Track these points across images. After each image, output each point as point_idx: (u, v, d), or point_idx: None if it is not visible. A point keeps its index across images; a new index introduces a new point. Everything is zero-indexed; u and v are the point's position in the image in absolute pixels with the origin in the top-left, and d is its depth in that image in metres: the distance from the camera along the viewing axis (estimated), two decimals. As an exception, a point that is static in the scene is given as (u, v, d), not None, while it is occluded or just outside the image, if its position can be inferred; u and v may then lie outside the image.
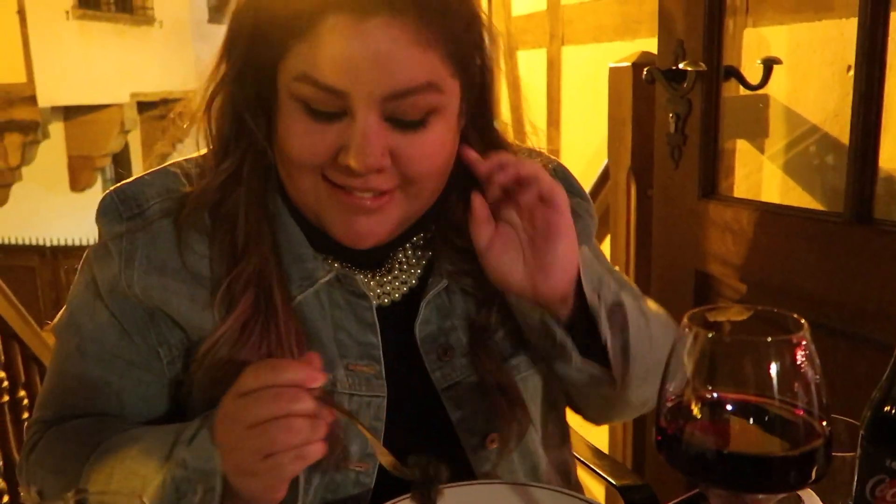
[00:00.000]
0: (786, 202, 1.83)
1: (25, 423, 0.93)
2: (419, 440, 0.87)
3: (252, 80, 0.79)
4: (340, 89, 0.72)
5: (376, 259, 0.88)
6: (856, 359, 1.31)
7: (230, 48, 0.80)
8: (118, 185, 0.87)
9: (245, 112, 0.80)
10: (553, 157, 1.03)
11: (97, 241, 0.86)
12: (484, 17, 0.82)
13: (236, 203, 0.82)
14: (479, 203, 0.79)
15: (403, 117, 0.75)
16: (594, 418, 1.02)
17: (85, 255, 0.88)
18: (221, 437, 0.71)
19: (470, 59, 0.80)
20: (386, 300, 0.88)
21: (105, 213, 0.85)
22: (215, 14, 13.07)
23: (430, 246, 0.90)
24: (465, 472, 0.88)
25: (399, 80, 0.73)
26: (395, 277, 0.89)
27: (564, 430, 1.01)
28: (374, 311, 0.86)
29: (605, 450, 2.32)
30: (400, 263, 0.89)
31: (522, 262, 0.80)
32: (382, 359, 0.86)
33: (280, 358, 0.73)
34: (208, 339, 0.80)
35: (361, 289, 0.85)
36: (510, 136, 0.95)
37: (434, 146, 0.78)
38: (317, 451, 0.70)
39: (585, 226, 0.97)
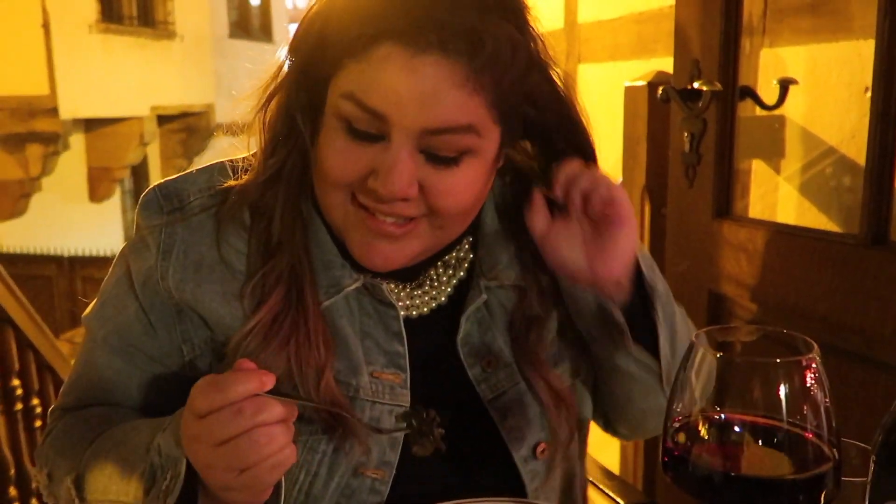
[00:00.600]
0: (802, 223, 1.82)
1: (49, 410, 0.97)
2: (434, 454, 0.88)
3: (307, 87, 0.81)
4: (381, 112, 0.74)
5: (407, 273, 0.89)
6: (872, 383, 1.29)
7: (295, 51, 0.82)
8: (162, 181, 0.89)
9: (297, 113, 0.82)
10: None
11: (135, 234, 0.89)
12: (550, 62, 0.83)
13: (274, 199, 0.83)
14: (538, 197, 0.82)
15: (437, 152, 0.77)
16: (626, 432, 1.04)
17: (121, 249, 0.91)
18: (193, 458, 0.72)
19: (516, 108, 0.80)
20: (414, 312, 0.90)
21: (147, 206, 0.87)
22: (236, 30, 13.24)
23: (461, 266, 0.91)
24: (508, 485, 0.89)
25: (440, 117, 0.74)
26: (426, 293, 0.90)
27: (584, 449, 1.03)
28: (402, 321, 0.87)
29: (616, 471, 2.30)
30: (431, 280, 0.90)
31: (582, 246, 0.81)
32: (409, 368, 0.86)
33: (219, 374, 0.72)
34: (239, 330, 0.82)
35: (388, 298, 0.86)
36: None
37: (463, 185, 0.79)
38: (291, 454, 0.71)
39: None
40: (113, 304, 0.89)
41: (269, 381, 0.70)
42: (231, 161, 0.89)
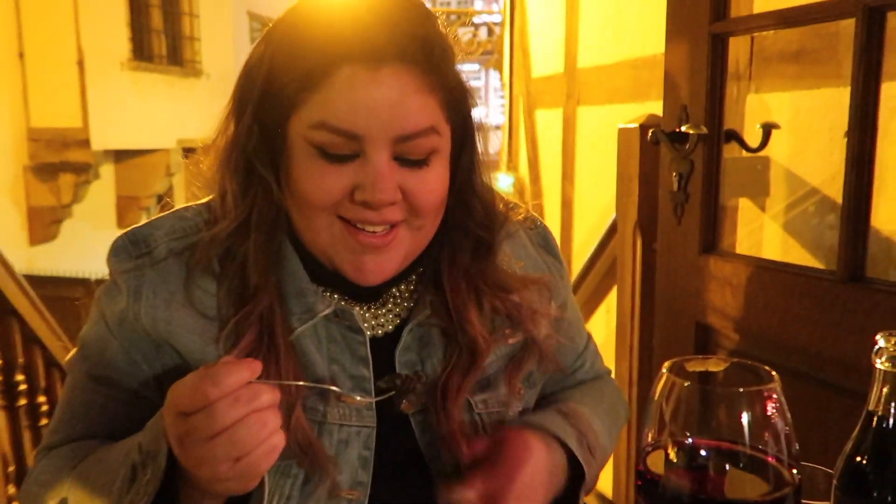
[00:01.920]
0: (787, 259, 1.83)
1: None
2: (408, 468, 0.88)
3: (261, 134, 0.82)
4: (355, 133, 0.76)
5: (373, 293, 0.90)
6: (849, 411, 1.28)
7: (240, 106, 0.83)
8: (130, 228, 0.89)
9: (255, 162, 0.83)
10: (536, 214, 1.06)
11: (108, 279, 0.88)
12: (462, 75, 0.86)
13: (246, 249, 0.83)
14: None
15: (409, 157, 0.79)
16: None
17: (95, 295, 0.89)
18: (185, 456, 0.68)
19: (459, 105, 0.84)
20: (379, 331, 0.90)
21: (116, 253, 0.87)
22: (259, 68, 13.37)
23: (420, 282, 0.92)
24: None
25: (409, 123, 0.77)
26: (389, 310, 0.91)
27: None
28: (368, 346, 0.87)
29: (609, 495, 2.28)
30: (394, 298, 0.92)
31: None
32: (373, 391, 0.87)
33: (203, 371, 0.69)
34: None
35: (357, 324, 0.87)
36: (526, 189, 1.00)
37: (435, 182, 0.82)
38: (282, 439, 0.69)
39: (557, 287, 1.00)
40: (93, 345, 0.88)
41: (258, 368, 0.69)
42: (196, 205, 0.90)
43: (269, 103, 0.80)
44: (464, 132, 0.86)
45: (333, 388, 0.82)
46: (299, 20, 0.80)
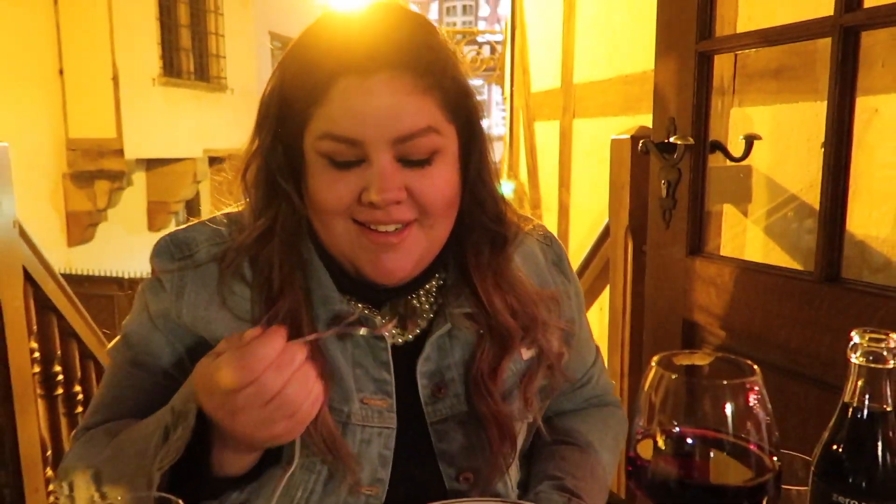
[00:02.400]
0: (767, 260, 1.82)
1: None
2: (424, 468, 0.87)
3: (282, 149, 0.82)
4: (356, 139, 0.76)
5: (394, 304, 0.89)
6: (826, 403, 1.28)
7: (261, 126, 0.83)
8: (173, 230, 0.89)
9: (277, 176, 0.83)
10: (547, 227, 1.04)
11: (151, 275, 0.88)
12: (463, 70, 0.84)
13: (271, 253, 0.83)
14: None
15: (412, 157, 0.78)
16: None
17: (139, 287, 0.90)
18: (241, 428, 0.69)
19: (461, 105, 0.82)
20: (400, 340, 0.88)
21: (159, 253, 0.87)
22: (279, 83, 13.40)
23: (440, 293, 0.90)
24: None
25: (405, 125, 0.76)
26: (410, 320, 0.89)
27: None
28: (389, 351, 0.86)
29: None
30: (415, 308, 0.89)
31: None
32: (394, 394, 0.86)
33: (236, 351, 0.69)
34: None
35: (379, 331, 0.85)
36: (526, 196, 0.98)
37: (441, 181, 0.81)
38: (321, 386, 0.71)
39: (570, 308, 0.98)
40: (136, 334, 0.87)
41: (285, 331, 0.69)
42: (228, 214, 0.89)
43: (285, 122, 0.81)
44: (469, 131, 0.85)
45: (351, 325, 0.79)
46: (304, 42, 0.80)
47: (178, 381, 0.83)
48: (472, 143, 0.85)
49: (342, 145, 0.76)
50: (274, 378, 0.67)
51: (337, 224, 0.81)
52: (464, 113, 0.83)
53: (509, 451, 0.88)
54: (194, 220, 0.90)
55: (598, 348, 1.10)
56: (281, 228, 0.84)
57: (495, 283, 0.88)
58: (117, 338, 0.90)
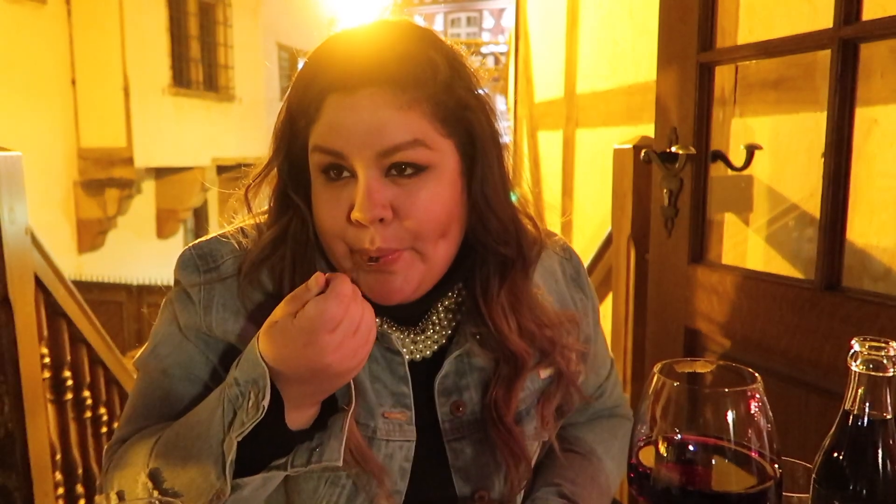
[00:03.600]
0: (769, 269, 1.81)
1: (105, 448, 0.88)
2: (438, 484, 0.87)
3: (290, 164, 0.83)
4: (340, 151, 0.75)
5: (412, 319, 0.88)
6: (827, 410, 1.28)
7: (276, 144, 0.84)
8: (195, 242, 0.88)
9: (288, 189, 0.83)
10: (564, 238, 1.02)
11: (176, 287, 0.86)
12: (472, 83, 0.81)
13: (283, 258, 0.83)
14: None
15: (399, 172, 0.76)
16: None
17: (166, 297, 0.88)
18: (339, 363, 0.71)
19: (458, 118, 0.79)
20: (418, 356, 0.87)
21: (184, 266, 0.85)
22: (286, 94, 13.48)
23: (459, 310, 0.89)
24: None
25: (387, 139, 0.74)
26: (428, 337, 0.88)
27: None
28: (407, 365, 0.85)
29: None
30: (433, 324, 0.88)
31: None
32: (413, 407, 0.85)
33: (303, 287, 0.73)
34: None
35: (396, 346, 0.84)
36: (530, 206, 0.94)
37: (430, 198, 0.76)
38: (372, 313, 0.75)
39: (587, 325, 0.98)
40: (167, 344, 0.85)
41: (322, 279, 0.73)
42: (256, 225, 0.88)
43: (293, 138, 0.81)
44: (472, 146, 0.81)
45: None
46: (308, 61, 0.81)
47: (209, 389, 0.82)
48: (476, 158, 0.81)
49: (329, 157, 0.76)
50: (356, 310, 0.72)
51: (338, 247, 0.80)
52: (463, 127, 0.79)
53: (525, 472, 0.88)
54: (212, 234, 0.89)
55: (612, 361, 1.09)
56: (292, 238, 0.83)
57: (510, 306, 0.85)
58: (146, 346, 0.88)
